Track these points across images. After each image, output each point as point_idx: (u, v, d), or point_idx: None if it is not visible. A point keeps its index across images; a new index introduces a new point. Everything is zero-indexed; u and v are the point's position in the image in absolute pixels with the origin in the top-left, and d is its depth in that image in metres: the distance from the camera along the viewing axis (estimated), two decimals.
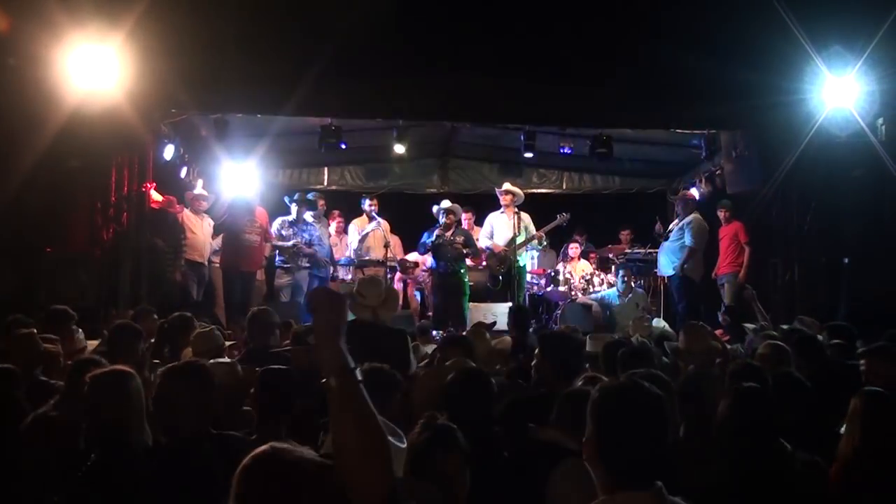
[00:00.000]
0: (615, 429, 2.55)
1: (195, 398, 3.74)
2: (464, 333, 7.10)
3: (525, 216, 12.23)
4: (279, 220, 11.55)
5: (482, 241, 12.34)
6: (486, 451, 3.24)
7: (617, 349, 5.58)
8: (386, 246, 12.05)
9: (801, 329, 7.27)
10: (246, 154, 11.96)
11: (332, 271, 12.17)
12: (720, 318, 9.38)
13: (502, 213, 12.23)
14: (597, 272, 12.97)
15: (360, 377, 2.20)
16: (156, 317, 7.21)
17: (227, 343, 6.46)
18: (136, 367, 4.41)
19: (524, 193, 12.63)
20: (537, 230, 12.30)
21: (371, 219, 12.50)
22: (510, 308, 9.03)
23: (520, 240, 12.02)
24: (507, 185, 12.45)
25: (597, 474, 2.57)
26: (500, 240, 12.11)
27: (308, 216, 11.65)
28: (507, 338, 6.71)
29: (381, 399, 4.11)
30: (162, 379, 3.93)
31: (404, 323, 9.47)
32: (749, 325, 8.10)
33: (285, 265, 11.41)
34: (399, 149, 12.35)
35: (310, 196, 11.97)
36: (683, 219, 11.89)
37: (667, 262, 11.92)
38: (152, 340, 6.62)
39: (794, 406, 4.31)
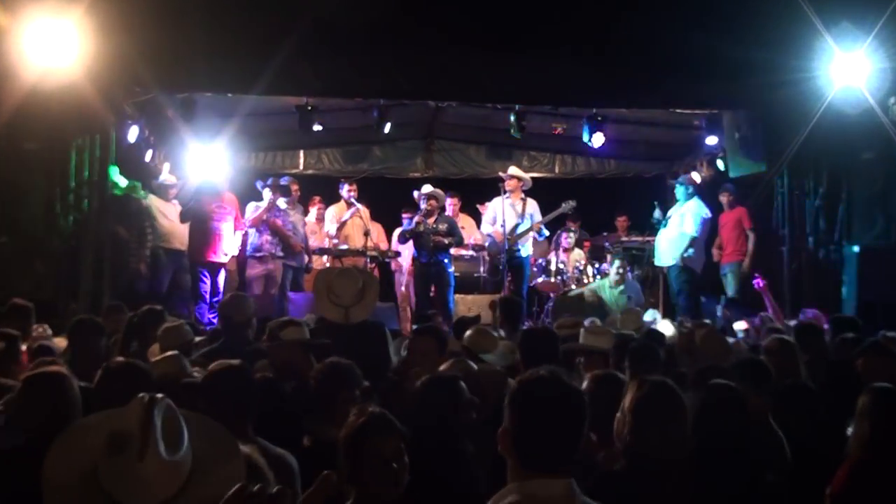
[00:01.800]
0: (531, 421, 2.70)
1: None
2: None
3: (532, 203, 12.24)
4: (252, 205, 11.54)
5: (485, 227, 12.33)
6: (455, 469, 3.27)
7: (626, 344, 5.74)
8: (366, 234, 12.04)
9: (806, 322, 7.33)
10: (215, 136, 11.88)
11: (306, 261, 12.14)
12: (720, 313, 9.37)
13: (507, 198, 12.09)
14: (591, 262, 12.97)
15: None
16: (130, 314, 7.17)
17: (197, 338, 6.45)
18: (99, 365, 4.48)
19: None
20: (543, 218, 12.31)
21: (350, 205, 12.47)
22: (500, 299, 9.01)
23: (523, 228, 12.02)
24: (513, 170, 12.44)
25: (511, 464, 2.71)
26: (505, 227, 11.99)
27: (281, 202, 11.62)
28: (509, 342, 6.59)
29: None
30: (98, 378, 4.03)
31: (386, 316, 9.62)
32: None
33: (258, 254, 11.39)
34: (380, 130, 12.29)
35: (283, 181, 11.92)
36: (683, 205, 11.90)
37: (666, 251, 11.92)
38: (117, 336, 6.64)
39: (801, 414, 4.46)
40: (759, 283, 9.57)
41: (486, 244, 12.31)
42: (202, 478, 2.35)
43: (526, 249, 12.18)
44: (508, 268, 11.90)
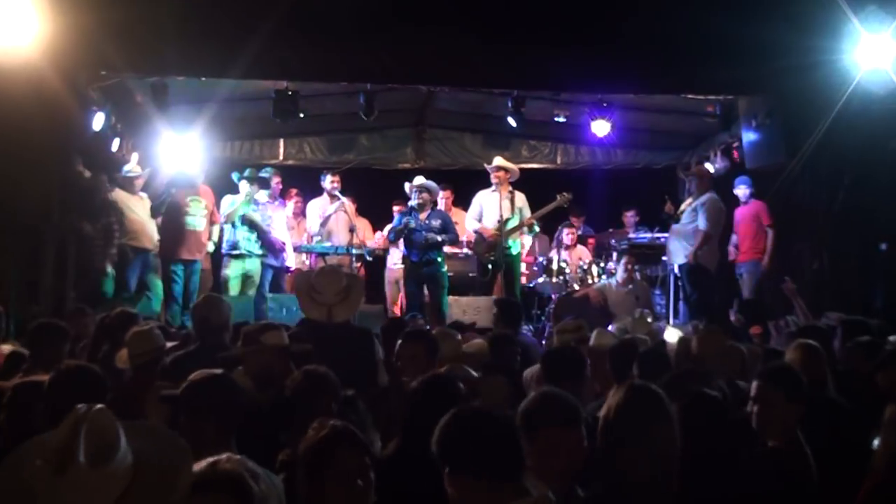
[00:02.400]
0: (466, 461, 2.94)
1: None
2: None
3: (520, 196, 12.22)
4: (228, 198, 11.50)
5: (469, 223, 12.29)
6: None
7: (629, 351, 5.72)
8: (351, 230, 11.97)
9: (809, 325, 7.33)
10: (188, 124, 11.83)
11: (286, 260, 12.12)
12: (732, 318, 9.35)
13: (494, 191, 12.09)
14: (595, 260, 12.94)
15: None
16: (101, 316, 7.18)
17: (169, 343, 6.38)
18: None
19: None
20: (533, 213, 12.28)
21: (333, 198, 12.42)
22: (496, 301, 8.97)
23: (513, 223, 11.99)
24: (499, 160, 12.36)
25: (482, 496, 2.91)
26: (490, 223, 12.06)
27: (261, 195, 11.61)
28: (480, 341, 6.70)
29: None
30: (50, 384, 4.10)
31: (374, 320, 9.53)
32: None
33: (234, 252, 11.35)
34: (367, 117, 12.24)
35: (263, 172, 11.88)
36: (697, 198, 11.76)
37: (677, 249, 11.79)
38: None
39: (826, 429, 4.41)
40: (788, 285, 9.53)
41: (472, 242, 12.29)
42: (146, 487, 2.44)
43: (516, 246, 12.17)
44: (498, 267, 11.87)
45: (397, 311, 12.70)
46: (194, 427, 3.87)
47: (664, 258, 12.56)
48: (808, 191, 11.41)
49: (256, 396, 4.89)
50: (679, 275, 12.04)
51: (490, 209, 12.13)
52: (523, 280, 12.91)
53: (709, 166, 12.92)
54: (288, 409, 4.46)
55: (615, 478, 3.31)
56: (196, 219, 11.13)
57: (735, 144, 12.53)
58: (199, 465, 2.64)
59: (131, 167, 11.54)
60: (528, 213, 12.18)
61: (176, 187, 11.05)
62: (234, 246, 11.35)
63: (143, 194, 11.41)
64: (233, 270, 11.32)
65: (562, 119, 13.13)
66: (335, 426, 3.35)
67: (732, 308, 9.68)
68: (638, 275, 12.39)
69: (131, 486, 2.41)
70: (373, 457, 3.37)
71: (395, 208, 12.77)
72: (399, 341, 5.78)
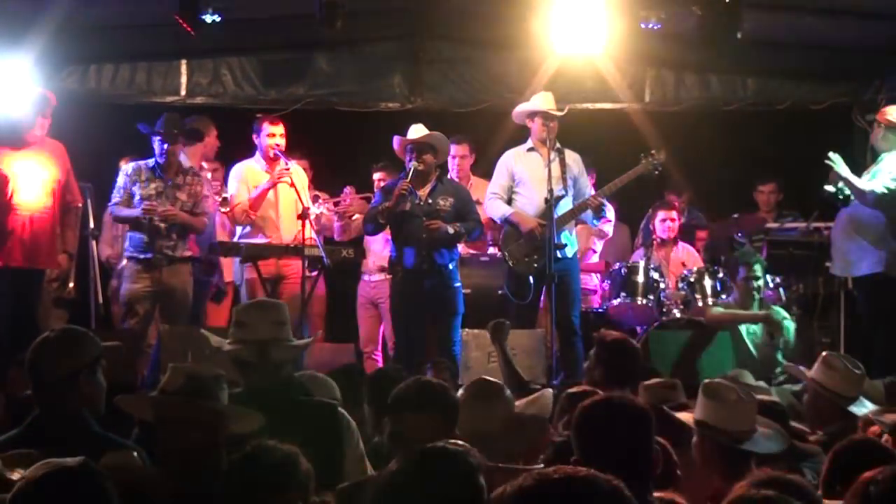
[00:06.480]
0: None
1: None
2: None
3: (574, 157, 12.09)
4: (130, 165, 11.70)
5: (493, 206, 12.09)
6: None
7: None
8: (302, 217, 11.49)
9: None
10: (19, 34, 11.54)
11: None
12: None
13: (531, 150, 11.96)
14: (710, 267, 12.82)
15: None
16: None
17: None
18: None
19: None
20: (597, 187, 12.21)
21: (273, 161, 12.17)
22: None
23: (566, 205, 11.72)
24: (542, 98, 12.04)
25: None
26: (530, 204, 11.77)
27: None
28: (546, 393, 6.72)
29: None
30: None
31: (338, 372, 9.02)
32: None
33: (141, 256, 11.49)
34: (328, 25, 11.89)
35: (187, 121, 12.18)
36: (881, 162, 11.57)
37: (852, 250, 11.70)
38: None
39: None
40: None
41: (500, 237, 12.29)
42: None
43: (572, 244, 12.11)
44: (544, 279, 11.57)
45: (378, 356, 12.89)
46: None
47: (829, 265, 12.37)
48: None
49: (170, 488, 5.04)
50: (856, 293, 12.12)
51: (529, 181, 11.96)
52: (588, 301, 13.14)
53: None
54: None
55: None
56: (35, 196, 11.09)
57: None
58: None
59: None
60: (587, 185, 12.12)
61: None
62: (144, 246, 11.54)
63: None
64: (139, 286, 11.51)
65: (654, 25, 12.61)
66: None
67: None
68: (783, 292, 12.47)
69: None
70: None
71: (376, 177, 12.82)
72: (395, 410, 5.78)
